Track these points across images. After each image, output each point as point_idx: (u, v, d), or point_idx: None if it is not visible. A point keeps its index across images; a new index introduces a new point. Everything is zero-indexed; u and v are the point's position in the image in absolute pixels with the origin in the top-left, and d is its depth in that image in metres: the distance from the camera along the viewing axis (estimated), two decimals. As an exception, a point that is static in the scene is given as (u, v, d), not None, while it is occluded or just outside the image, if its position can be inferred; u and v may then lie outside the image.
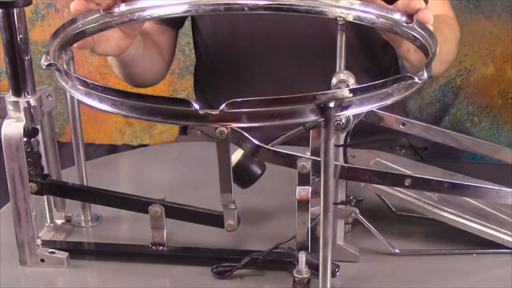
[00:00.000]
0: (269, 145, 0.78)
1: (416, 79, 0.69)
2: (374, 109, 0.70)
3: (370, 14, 0.89)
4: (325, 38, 1.23)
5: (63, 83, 0.74)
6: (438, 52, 0.86)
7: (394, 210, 0.91)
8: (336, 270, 0.76)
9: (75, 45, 0.86)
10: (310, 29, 1.24)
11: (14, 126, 0.77)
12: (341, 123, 0.76)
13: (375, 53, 1.31)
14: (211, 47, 1.34)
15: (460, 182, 0.79)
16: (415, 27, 0.84)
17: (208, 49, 1.34)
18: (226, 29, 1.28)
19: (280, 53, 1.27)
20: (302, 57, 1.27)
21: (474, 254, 0.85)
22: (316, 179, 0.74)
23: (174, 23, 1.34)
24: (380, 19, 0.88)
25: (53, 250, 0.83)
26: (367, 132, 1.22)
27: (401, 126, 0.93)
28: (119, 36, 0.99)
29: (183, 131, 1.45)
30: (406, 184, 0.78)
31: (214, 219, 0.81)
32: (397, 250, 0.84)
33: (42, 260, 0.82)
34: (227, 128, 0.68)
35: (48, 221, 0.90)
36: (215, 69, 1.34)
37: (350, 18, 0.90)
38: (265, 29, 1.25)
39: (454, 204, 0.85)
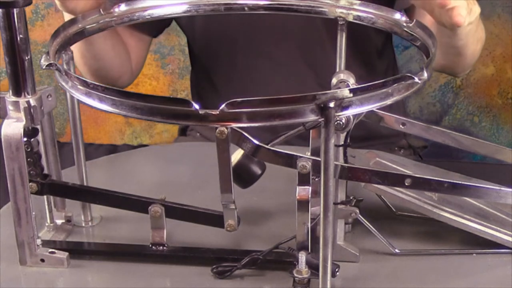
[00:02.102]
0: (269, 145, 0.78)
1: (416, 79, 0.69)
2: (374, 109, 0.70)
3: (370, 14, 0.89)
4: (318, 37, 1.24)
5: (63, 83, 0.74)
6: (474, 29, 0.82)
7: (394, 210, 0.92)
8: (336, 270, 0.76)
9: None
10: (305, 29, 1.24)
11: (14, 126, 0.77)
12: (341, 123, 0.76)
13: (369, 60, 1.31)
14: (205, 53, 1.33)
15: (460, 182, 0.79)
16: (415, 27, 0.84)
17: (202, 55, 1.34)
18: (218, 27, 1.28)
19: (276, 55, 1.27)
20: (299, 58, 1.27)
21: (474, 254, 0.85)
22: (316, 179, 0.74)
23: (148, 29, 1.32)
24: (380, 19, 0.88)
25: (53, 250, 0.83)
26: (365, 138, 1.23)
27: (401, 126, 0.93)
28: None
29: (183, 132, 1.45)
30: (406, 184, 0.78)
31: (214, 219, 0.81)
32: (397, 250, 0.84)
33: (42, 260, 0.82)
34: (227, 128, 0.68)
35: (48, 221, 0.90)
36: (211, 74, 1.34)
37: (350, 18, 0.90)
38: (262, 31, 1.25)
39: (454, 204, 0.85)
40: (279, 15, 1.19)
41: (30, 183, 0.81)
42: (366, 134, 1.24)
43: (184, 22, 1.32)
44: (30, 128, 0.81)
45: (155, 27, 1.32)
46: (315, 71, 1.26)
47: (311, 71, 1.27)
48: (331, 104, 0.65)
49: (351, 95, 0.66)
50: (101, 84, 0.69)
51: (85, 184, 0.92)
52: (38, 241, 0.82)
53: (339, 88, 0.81)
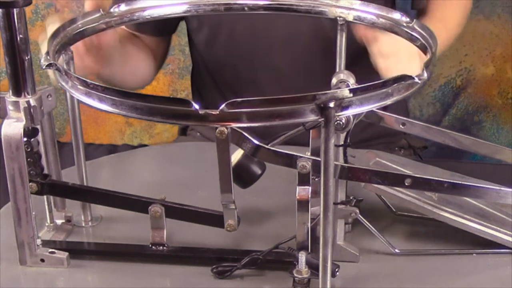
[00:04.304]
0: (269, 145, 0.78)
1: (416, 79, 0.69)
2: (374, 109, 0.70)
3: (370, 14, 0.89)
4: (320, 39, 1.24)
5: (63, 83, 0.74)
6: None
7: (394, 210, 0.92)
8: (336, 270, 0.76)
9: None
10: (307, 32, 1.24)
11: (14, 126, 0.77)
12: (341, 123, 0.76)
13: (366, 57, 1.31)
14: (206, 56, 1.34)
15: (460, 182, 0.79)
16: (415, 27, 0.84)
17: (203, 59, 1.35)
18: (223, 37, 1.28)
19: (276, 57, 1.27)
20: (300, 60, 1.27)
21: (474, 254, 0.85)
22: (316, 179, 0.74)
23: (167, 31, 1.34)
24: (380, 19, 0.88)
25: (53, 250, 0.83)
26: (365, 138, 1.23)
27: (401, 126, 0.93)
28: (89, 60, 1.01)
29: (183, 132, 1.45)
30: (406, 184, 0.78)
31: (214, 219, 0.81)
32: (397, 250, 0.84)
33: (42, 260, 0.82)
34: (227, 128, 0.68)
35: (48, 221, 0.90)
36: (211, 76, 1.35)
37: (350, 18, 0.90)
38: (260, 34, 1.25)
39: (454, 204, 0.85)
40: (282, 27, 1.20)
41: (30, 183, 0.81)
42: (366, 134, 1.24)
43: (194, 27, 1.32)
44: (30, 128, 0.81)
45: (168, 27, 1.34)
46: (316, 82, 1.26)
47: (313, 82, 1.27)
48: (331, 104, 0.65)
49: (351, 95, 0.66)
50: (101, 84, 0.69)
51: (85, 184, 0.92)
52: (38, 241, 0.82)
53: (339, 88, 0.81)
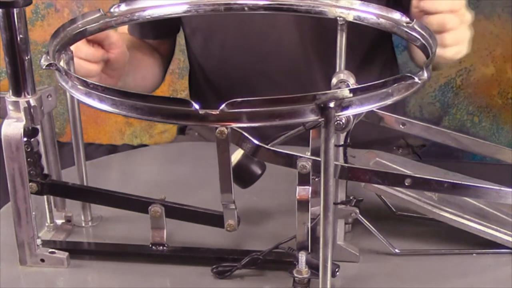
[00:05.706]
0: (269, 145, 0.78)
1: (416, 79, 0.69)
2: (374, 109, 0.70)
3: (370, 14, 0.89)
4: (313, 47, 1.23)
5: (63, 83, 0.74)
6: None
7: (394, 210, 0.92)
8: (336, 270, 0.76)
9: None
10: (299, 39, 1.24)
11: (14, 126, 0.77)
12: (341, 123, 0.76)
13: (364, 52, 1.30)
14: (202, 62, 1.34)
15: (460, 182, 0.79)
16: (415, 27, 0.84)
17: (200, 63, 1.35)
18: (216, 46, 1.29)
19: (269, 66, 1.27)
20: (293, 68, 1.27)
21: (474, 254, 0.85)
22: (316, 179, 0.74)
23: (167, 33, 1.36)
24: (380, 19, 0.88)
25: (53, 250, 0.83)
26: (364, 139, 1.23)
27: (401, 126, 0.93)
28: (104, 77, 1.03)
29: (181, 131, 1.45)
30: (406, 184, 0.78)
31: (214, 219, 0.81)
32: (397, 250, 0.84)
33: (42, 260, 0.82)
34: (227, 128, 0.68)
35: (48, 221, 0.90)
36: (207, 81, 1.35)
37: (350, 18, 0.90)
38: (251, 44, 1.25)
39: (454, 204, 0.85)
40: (275, 36, 1.20)
41: (30, 183, 0.81)
42: (364, 141, 1.24)
43: (188, 33, 1.33)
44: (30, 128, 0.81)
45: (171, 29, 1.35)
46: (311, 89, 1.26)
47: (307, 89, 1.27)
48: (331, 104, 0.65)
49: (351, 95, 0.66)
50: (101, 84, 0.69)
51: (85, 184, 0.92)
52: (38, 241, 0.82)
53: (339, 88, 0.81)
